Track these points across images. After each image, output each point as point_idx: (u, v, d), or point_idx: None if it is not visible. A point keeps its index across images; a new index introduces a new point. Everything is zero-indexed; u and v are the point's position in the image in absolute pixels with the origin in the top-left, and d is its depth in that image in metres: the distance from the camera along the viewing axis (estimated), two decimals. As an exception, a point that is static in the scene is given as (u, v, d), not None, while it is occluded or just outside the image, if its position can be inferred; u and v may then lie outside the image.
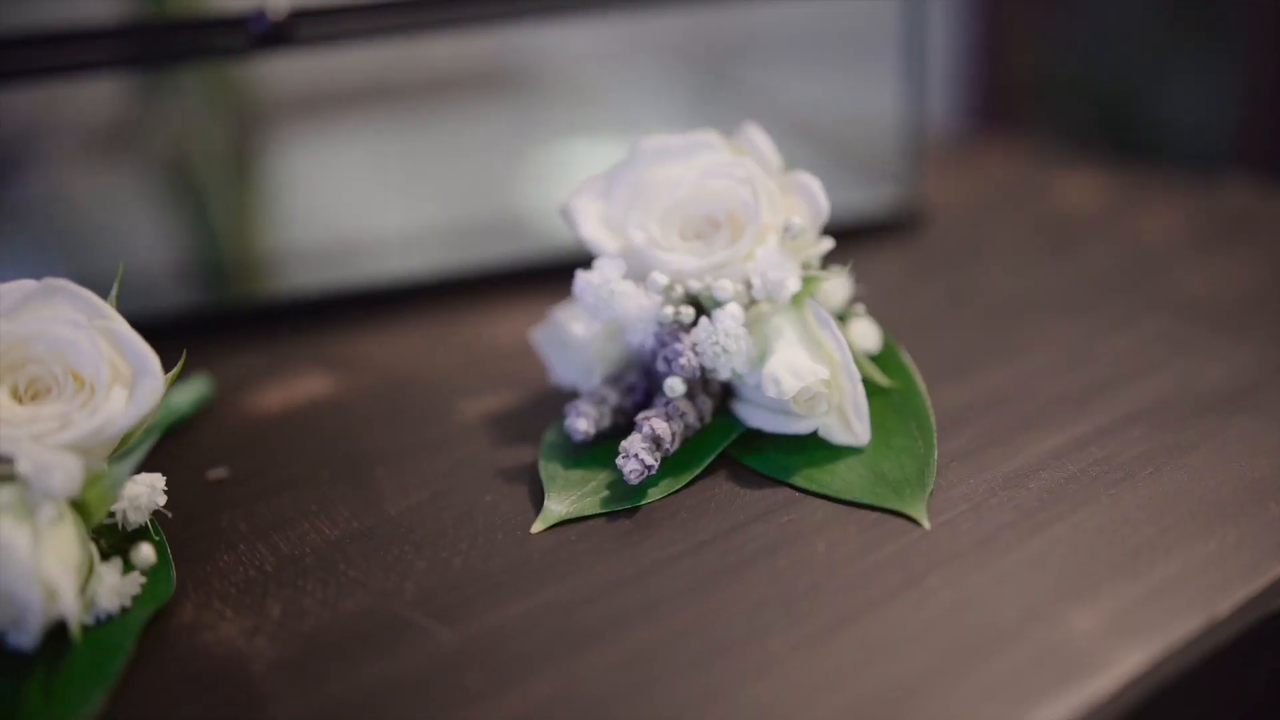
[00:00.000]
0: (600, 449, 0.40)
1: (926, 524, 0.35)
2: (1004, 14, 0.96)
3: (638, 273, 0.41)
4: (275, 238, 0.64)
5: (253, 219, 0.67)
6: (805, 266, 0.40)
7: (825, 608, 0.32)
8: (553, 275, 0.52)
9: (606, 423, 0.40)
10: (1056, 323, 0.48)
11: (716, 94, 0.77)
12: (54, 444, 0.32)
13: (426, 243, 0.59)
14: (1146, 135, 0.95)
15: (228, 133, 0.66)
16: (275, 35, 0.48)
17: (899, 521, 0.36)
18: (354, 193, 0.66)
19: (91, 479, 0.32)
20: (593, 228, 0.42)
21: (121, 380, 0.34)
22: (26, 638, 0.30)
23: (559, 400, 0.44)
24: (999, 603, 0.32)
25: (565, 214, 0.43)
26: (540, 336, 0.43)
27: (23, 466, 0.31)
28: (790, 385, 0.37)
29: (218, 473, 0.41)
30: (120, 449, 0.35)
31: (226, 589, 0.34)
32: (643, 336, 0.40)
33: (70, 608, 0.30)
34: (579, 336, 0.42)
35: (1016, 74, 0.97)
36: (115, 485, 0.32)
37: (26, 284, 0.34)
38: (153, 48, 0.51)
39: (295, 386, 0.47)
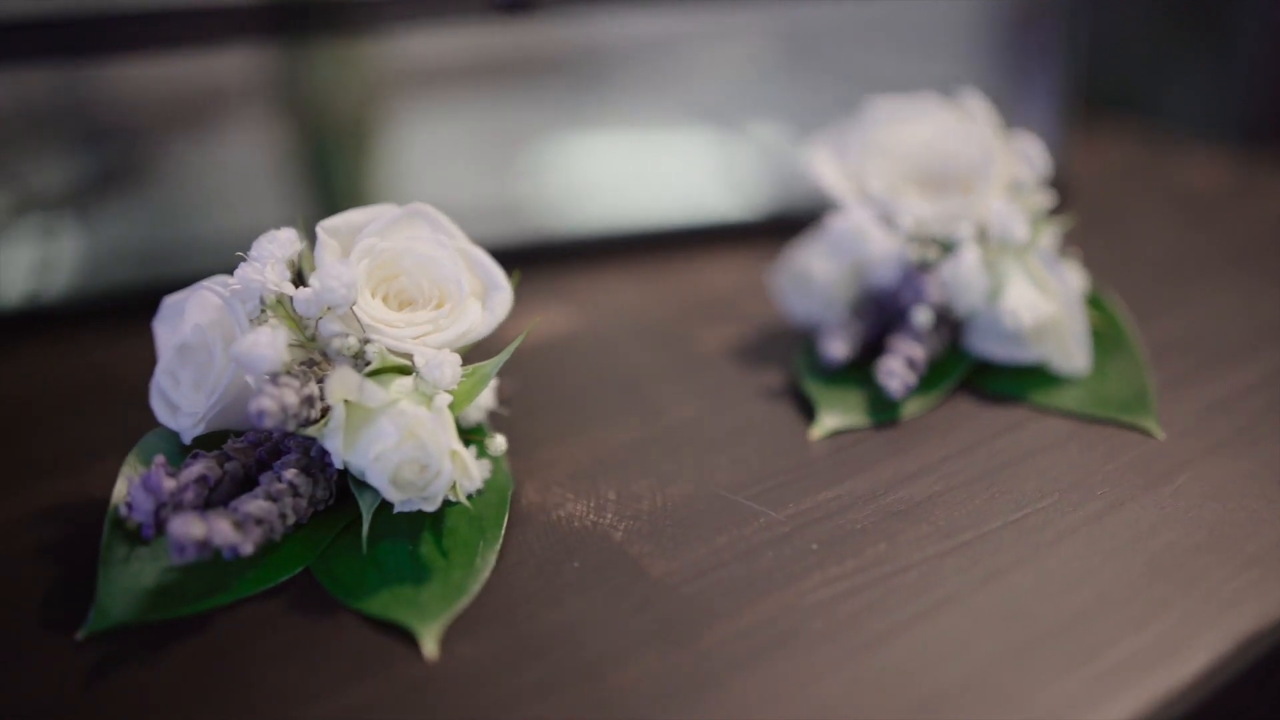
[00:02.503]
0: (848, 372, 0.45)
1: (1160, 434, 0.41)
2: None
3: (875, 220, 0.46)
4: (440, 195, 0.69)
5: (416, 177, 0.71)
6: (1031, 215, 0.45)
7: (1095, 495, 0.37)
8: (729, 234, 0.57)
9: (856, 349, 0.45)
10: (1216, 278, 0.54)
11: (817, 71, 0.82)
12: (430, 344, 0.37)
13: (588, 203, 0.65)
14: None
15: (374, 101, 0.71)
16: (519, 3, 0.53)
17: (1132, 434, 0.41)
18: (486, 159, 0.71)
19: (467, 374, 0.37)
20: (832, 177, 0.47)
21: (475, 293, 0.39)
22: (430, 504, 0.35)
23: (784, 332, 0.49)
24: (1247, 495, 0.37)
25: (805, 166, 0.48)
26: (779, 276, 0.49)
27: (419, 360, 0.36)
28: (1028, 317, 0.43)
29: (504, 387, 0.46)
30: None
31: (559, 477, 0.39)
32: (887, 274, 0.45)
33: (475, 475, 0.35)
34: (821, 275, 0.47)
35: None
36: (484, 381, 0.37)
37: (392, 208, 0.39)
38: (400, 11, 0.55)
39: (541, 318, 0.52)
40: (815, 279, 0.47)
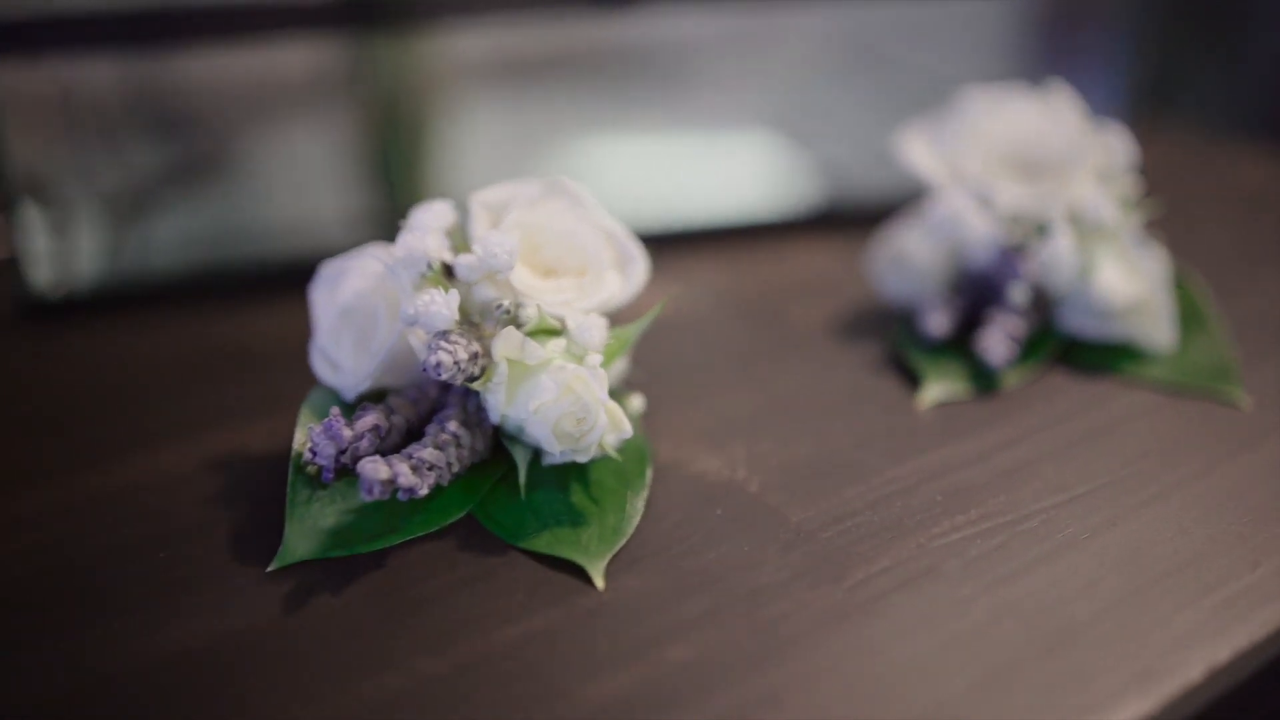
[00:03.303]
0: (944, 347, 0.48)
1: (1246, 403, 0.43)
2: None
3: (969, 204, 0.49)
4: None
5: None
6: (1119, 200, 0.48)
7: (1190, 457, 0.40)
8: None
9: (955, 325, 0.48)
10: (1281, 266, 0.57)
11: (881, 73, 0.86)
12: (577, 310, 0.40)
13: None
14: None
15: (440, 92, 0.74)
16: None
17: (1217, 406, 0.44)
18: (544, 152, 0.75)
19: (613, 336, 0.40)
20: (926, 163, 0.50)
21: (613, 264, 0.42)
22: (584, 455, 0.38)
23: (871, 311, 0.52)
24: (1332, 456, 0.40)
25: (897, 152, 0.51)
26: (876, 257, 0.51)
27: (571, 323, 0.39)
28: (1118, 296, 0.46)
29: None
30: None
31: (688, 437, 0.42)
32: (984, 255, 0.48)
33: (626, 426, 0.38)
34: (919, 256, 0.49)
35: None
36: (628, 342, 0.40)
37: (535, 183, 0.42)
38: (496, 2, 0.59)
39: (678, 290, 0.55)
40: (913, 260, 0.50)
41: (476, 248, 0.38)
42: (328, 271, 0.42)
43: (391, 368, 0.40)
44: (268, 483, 0.40)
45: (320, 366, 0.41)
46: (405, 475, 0.35)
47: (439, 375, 0.36)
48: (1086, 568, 0.35)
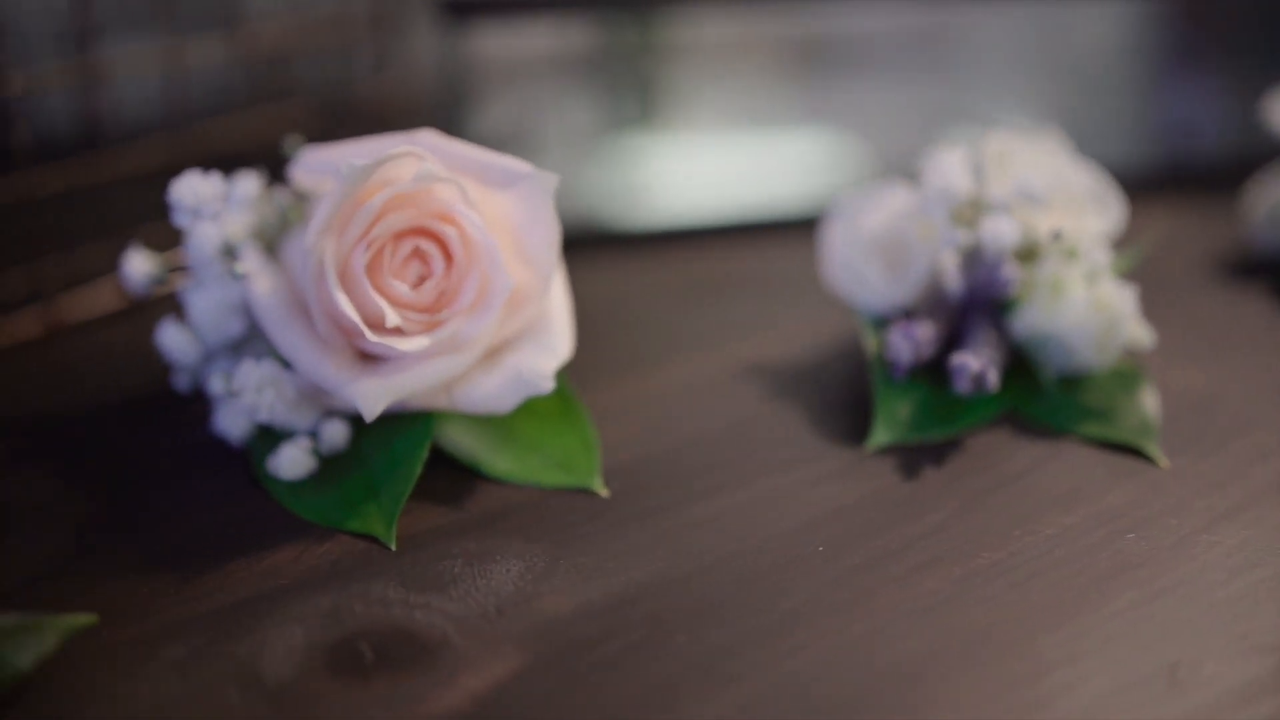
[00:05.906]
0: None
1: None
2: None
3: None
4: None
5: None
6: None
7: None
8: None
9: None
10: None
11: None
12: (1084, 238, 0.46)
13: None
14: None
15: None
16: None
17: None
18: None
19: (1115, 260, 0.46)
20: (1297, 126, 0.57)
21: (1093, 201, 0.48)
22: (1106, 362, 0.44)
23: (1237, 258, 0.59)
24: None
25: (1267, 114, 0.57)
26: (1252, 211, 0.58)
27: (1084, 249, 0.45)
28: None
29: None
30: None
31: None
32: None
33: (1146, 340, 0.44)
34: (1266, 209, 0.56)
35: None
36: (1127, 268, 0.47)
37: (1016, 133, 0.48)
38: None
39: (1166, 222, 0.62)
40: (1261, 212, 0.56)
41: (1013, 183, 0.45)
42: (842, 207, 0.48)
43: (918, 289, 0.46)
44: (798, 382, 0.47)
45: (848, 287, 0.47)
46: (990, 371, 0.42)
47: (1007, 291, 0.42)
48: None
